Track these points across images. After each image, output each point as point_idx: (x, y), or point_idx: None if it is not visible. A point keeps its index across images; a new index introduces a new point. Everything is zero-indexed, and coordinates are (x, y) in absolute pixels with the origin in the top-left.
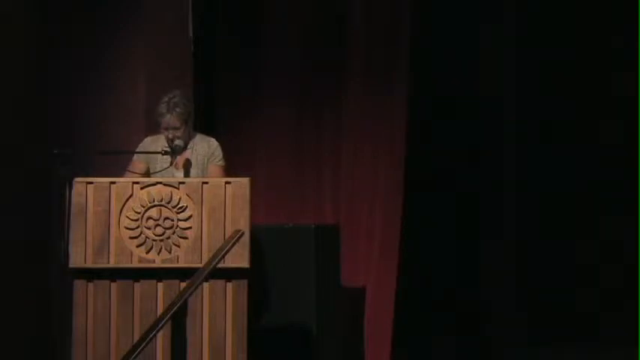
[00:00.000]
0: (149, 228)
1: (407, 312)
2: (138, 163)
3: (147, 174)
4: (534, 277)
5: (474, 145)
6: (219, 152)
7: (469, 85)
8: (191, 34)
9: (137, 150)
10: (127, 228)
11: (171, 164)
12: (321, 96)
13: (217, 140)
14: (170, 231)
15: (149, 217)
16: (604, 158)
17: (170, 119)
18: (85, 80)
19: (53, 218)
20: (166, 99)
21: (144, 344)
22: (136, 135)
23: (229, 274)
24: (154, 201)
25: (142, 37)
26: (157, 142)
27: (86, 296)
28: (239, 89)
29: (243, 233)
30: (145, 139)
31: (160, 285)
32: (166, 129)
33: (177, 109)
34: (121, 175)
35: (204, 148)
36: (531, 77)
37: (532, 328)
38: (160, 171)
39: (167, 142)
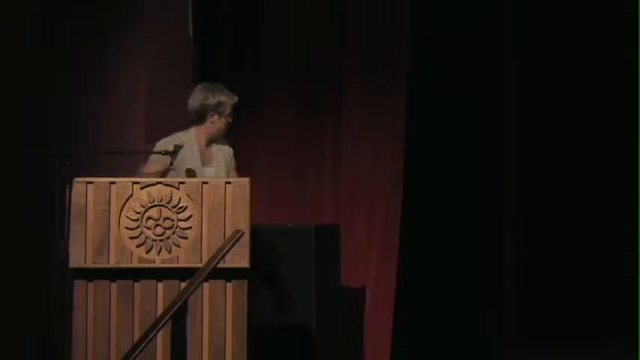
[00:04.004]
0: (149, 228)
1: (407, 312)
2: (155, 164)
3: (163, 176)
4: (534, 277)
5: (474, 144)
6: (234, 158)
7: (469, 85)
8: (191, 34)
9: (154, 151)
10: (127, 228)
11: (171, 164)
12: (321, 96)
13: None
14: (170, 231)
15: (149, 217)
16: (604, 158)
17: (237, 100)
18: (85, 80)
19: (53, 218)
20: (215, 87)
21: (144, 344)
22: (136, 135)
23: (229, 274)
24: (154, 201)
25: (142, 37)
26: (176, 142)
27: (86, 296)
28: (239, 89)
29: (243, 233)
30: (164, 141)
31: (160, 285)
32: (234, 111)
33: None
34: (119, 175)
35: (226, 153)
36: (531, 77)
37: (532, 327)
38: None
39: (226, 129)
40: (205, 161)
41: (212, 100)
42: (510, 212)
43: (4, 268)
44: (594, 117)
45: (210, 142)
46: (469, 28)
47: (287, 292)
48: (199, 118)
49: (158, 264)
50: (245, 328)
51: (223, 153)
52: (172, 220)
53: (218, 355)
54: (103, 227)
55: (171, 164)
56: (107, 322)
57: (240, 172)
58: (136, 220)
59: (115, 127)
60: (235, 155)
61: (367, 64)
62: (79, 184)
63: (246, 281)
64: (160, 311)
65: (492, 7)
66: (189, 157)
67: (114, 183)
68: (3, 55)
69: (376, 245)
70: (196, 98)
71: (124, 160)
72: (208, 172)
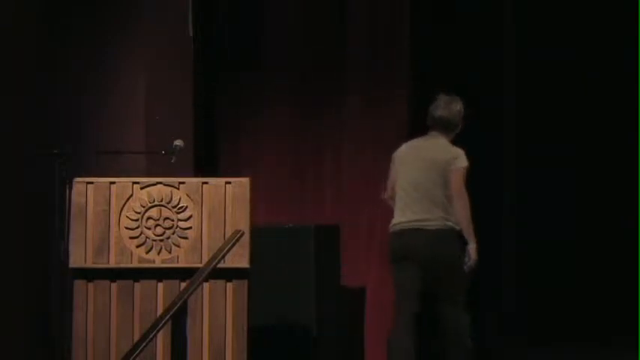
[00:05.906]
0: (149, 228)
1: None
2: None
3: None
4: (534, 277)
5: (473, 144)
6: None
7: (469, 85)
8: (191, 34)
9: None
10: (127, 228)
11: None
12: (321, 96)
13: (217, 140)
14: (170, 231)
15: (149, 217)
16: (604, 158)
17: None
18: (85, 80)
19: (53, 218)
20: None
21: (144, 344)
22: (136, 135)
23: (229, 274)
24: (154, 201)
25: (142, 37)
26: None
27: (86, 296)
28: (239, 89)
29: (243, 233)
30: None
31: (160, 285)
32: None
33: None
34: (118, 175)
35: None
36: (531, 77)
37: (532, 328)
38: None
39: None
40: None
41: (463, 110)
42: (510, 212)
43: (4, 268)
44: (594, 117)
45: None
46: (469, 28)
47: (287, 292)
48: (455, 127)
49: (158, 264)
50: (245, 328)
51: None
52: (172, 220)
53: (218, 355)
54: (103, 227)
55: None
56: (107, 322)
57: (240, 172)
58: (136, 220)
59: (115, 127)
60: None
61: (367, 64)
62: (79, 184)
63: (246, 281)
64: (159, 311)
65: (492, 7)
66: None
67: (114, 183)
68: (3, 55)
69: (376, 245)
70: (457, 109)
71: (124, 160)
72: None
